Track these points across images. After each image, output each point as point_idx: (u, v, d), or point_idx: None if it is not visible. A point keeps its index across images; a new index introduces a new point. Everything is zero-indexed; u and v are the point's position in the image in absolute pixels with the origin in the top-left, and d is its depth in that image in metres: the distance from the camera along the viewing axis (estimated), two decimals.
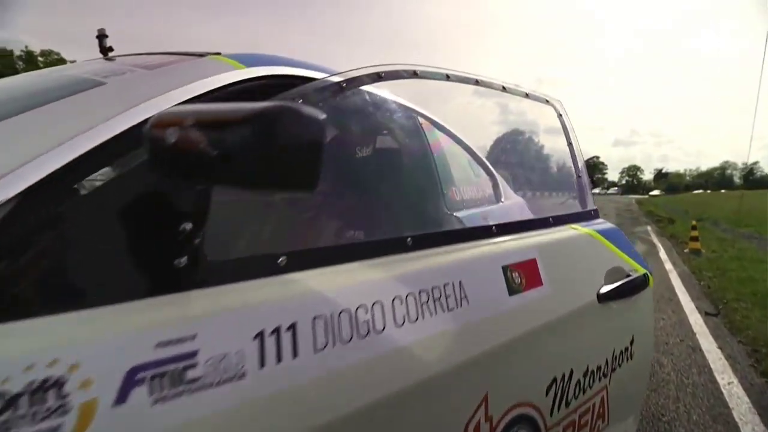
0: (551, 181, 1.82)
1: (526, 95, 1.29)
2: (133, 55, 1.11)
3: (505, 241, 0.90)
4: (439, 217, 1.38)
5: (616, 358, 1.04)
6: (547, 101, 1.36)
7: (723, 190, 67.75)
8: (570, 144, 1.31)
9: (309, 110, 0.42)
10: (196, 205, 0.52)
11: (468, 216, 1.59)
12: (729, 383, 2.40)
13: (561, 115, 1.36)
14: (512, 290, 0.81)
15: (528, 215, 2.20)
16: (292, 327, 0.55)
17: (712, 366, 2.61)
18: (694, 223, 7.72)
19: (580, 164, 1.27)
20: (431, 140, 1.64)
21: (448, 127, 1.82)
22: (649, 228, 10.66)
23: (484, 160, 2.02)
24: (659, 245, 7.59)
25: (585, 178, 1.26)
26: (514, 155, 2.16)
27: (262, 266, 0.59)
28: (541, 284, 0.87)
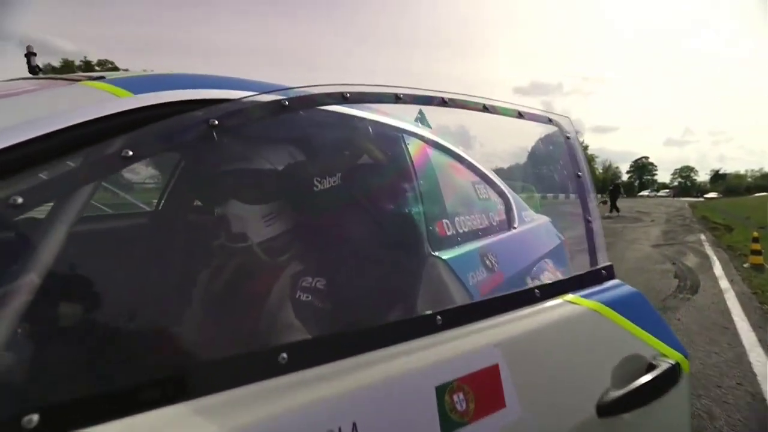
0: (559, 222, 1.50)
1: (519, 114, 1.00)
2: (22, 79, 0.96)
3: (451, 339, 0.61)
4: (412, 264, 1.12)
5: None
6: (550, 120, 1.07)
7: None
8: (579, 176, 1.00)
9: None
10: None
11: (458, 257, 1.31)
12: None
13: (569, 137, 1.06)
14: (450, 424, 0.54)
15: (552, 239, 1.86)
16: None
17: None
18: (755, 234, 6.87)
19: (592, 205, 0.96)
20: (419, 164, 1.39)
21: (445, 143, 1.56)
22: (702, 236, 9.71)
23: (494, 178, 1.74)
24: (714, 258, 6.83)
25: (597, 225, 0.94)
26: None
27: None
28: (504, 405, 0.59)
